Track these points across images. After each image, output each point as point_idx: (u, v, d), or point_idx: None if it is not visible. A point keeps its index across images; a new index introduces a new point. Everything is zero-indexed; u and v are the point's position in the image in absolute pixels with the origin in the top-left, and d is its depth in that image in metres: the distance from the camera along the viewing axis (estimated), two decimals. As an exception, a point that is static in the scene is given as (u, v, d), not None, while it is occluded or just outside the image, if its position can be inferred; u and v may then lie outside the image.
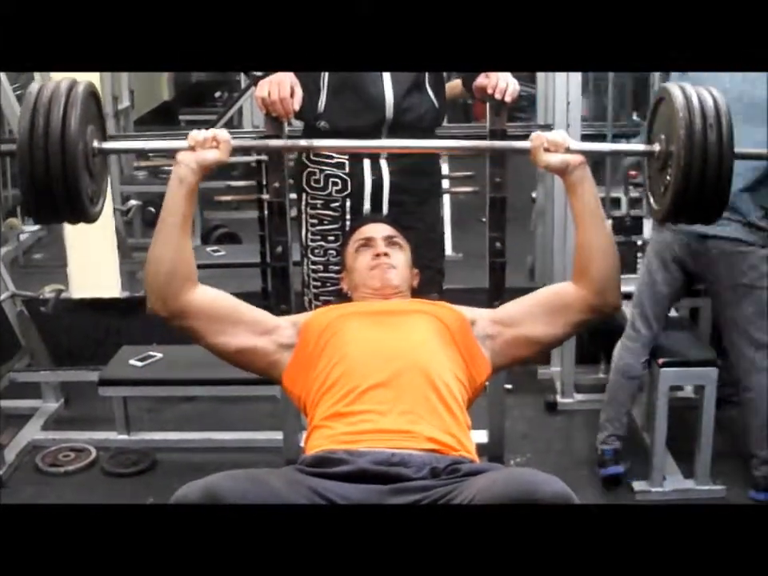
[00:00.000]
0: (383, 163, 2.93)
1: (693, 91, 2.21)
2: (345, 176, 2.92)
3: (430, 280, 2.98)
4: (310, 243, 2.99)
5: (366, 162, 2.92)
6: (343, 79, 2.83)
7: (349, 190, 2.93)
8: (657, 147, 2.34)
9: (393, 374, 2.34)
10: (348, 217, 2.93)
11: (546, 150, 2.38)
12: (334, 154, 2.92)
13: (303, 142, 2.86)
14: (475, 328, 2.50)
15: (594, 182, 2.42)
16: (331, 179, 2.93)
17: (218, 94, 8.70)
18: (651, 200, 2.43)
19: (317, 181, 2.94)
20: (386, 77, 2.83)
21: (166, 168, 6.18)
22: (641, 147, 2.48)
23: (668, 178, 2.28)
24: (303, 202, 2.99)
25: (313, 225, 2.97)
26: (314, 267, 2.99)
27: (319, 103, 2.87)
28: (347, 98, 2.82)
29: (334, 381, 2.36)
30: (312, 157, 2.94)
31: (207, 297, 2.41)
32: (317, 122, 2.89)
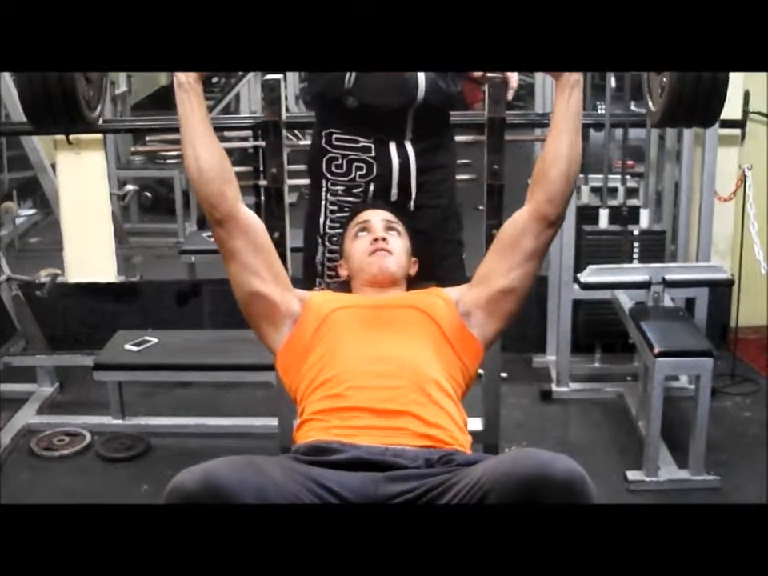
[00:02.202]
0: (408, 145, 2.90)
1: None
2: (371, 159, 2.89)
3: (453, 252, 3.06)
4: (328, 231, 2.95)
5: (392, 145, 2.89)
6: None
7: (374, 174, 2.89)
8: None
9: (385, 374, 2.33)
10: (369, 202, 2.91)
11: None
12: (359, 138, 2.89)
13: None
14: (459, 308, 2.51)
15: (582, 94, 2.46)
16: (355, 164, 2.89)
17: (215, 80, 8.66)
18: (649, 103, 2.43)
19: (339, 166, 2.90)
20: None
21: (162, 153, 6.21)
22: None
23: (664, 79, 2.27)
24: (324, 189, 2.95)
25: (332, 212, 2.94)
26: (330, 256, 2.95)
27: (347, 79, 2.82)
28: (378, 77, 2.77)
29: (326, 379, 2.36)
30: (334, 142, 2.91)
31: (254, 221, 2.50)
32: (344, 97, 2.84)
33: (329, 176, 2.93)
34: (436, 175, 2.98)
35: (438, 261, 2.89)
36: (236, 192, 2.49)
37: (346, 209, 2.90)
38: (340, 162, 2.91)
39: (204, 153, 2.44)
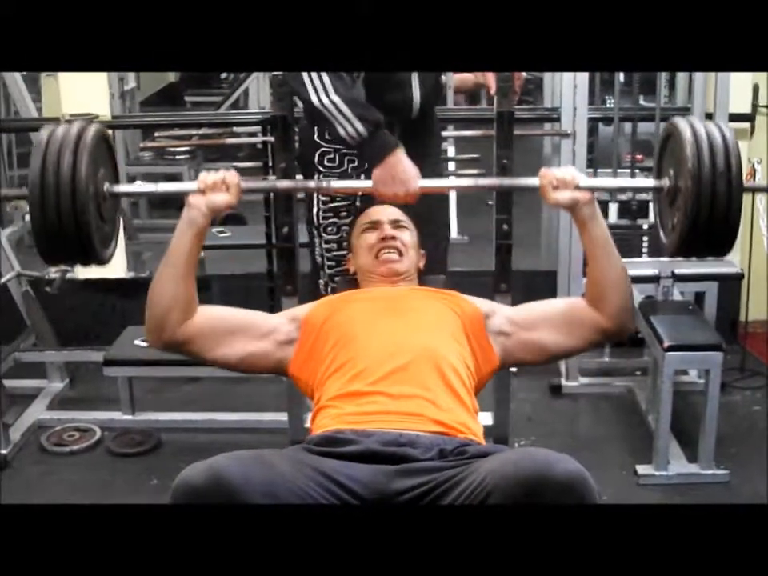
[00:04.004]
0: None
1: (701, 128, 2.21)
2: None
3: (444, 236, 3.16)
4: (322, 222, 2.98)
5: None
6: (367, 84, 2.80)
7: (366, 166, 2.88)
8: (666, 183, 2.33)
9: (400, 356, 2.34)
10: (360, 192, 2.92)
11: (555, 187, 2.39)
12: None
13: (312, 183, 2.86)
14: (490, 321, 2.51)
15: (602, 218, 2.44)
16: (347, 157, 2.93)
17: (224, 76, 8.68)
18: (661, 233, 2.43)
19: (331, 159, 2.94)
20: (415, 82, 2.85)
21: (171, 149, 6.22)
22: (650, 183, 2.47)
23: (676, 216, 2.27)
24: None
25: (324, 203, 2.97)
26: (327, 246, 2.98)
27: None
28: (375, 101, 2.77)
29: (342, 363, 2.37)
30: (327, 137, 2.92)
31: (199, 321, 2.44)
32: None
33: (321, 169, 2.97)
34: (425, 162, 2.99)
35: (433, 245, 2.90)
36: (191, 315, 2.43)
37: (338, 198, 2.95)
38: (333, 155, 2.95)
39: (177, 292, 2.40)
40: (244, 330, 2.47)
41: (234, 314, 2.51)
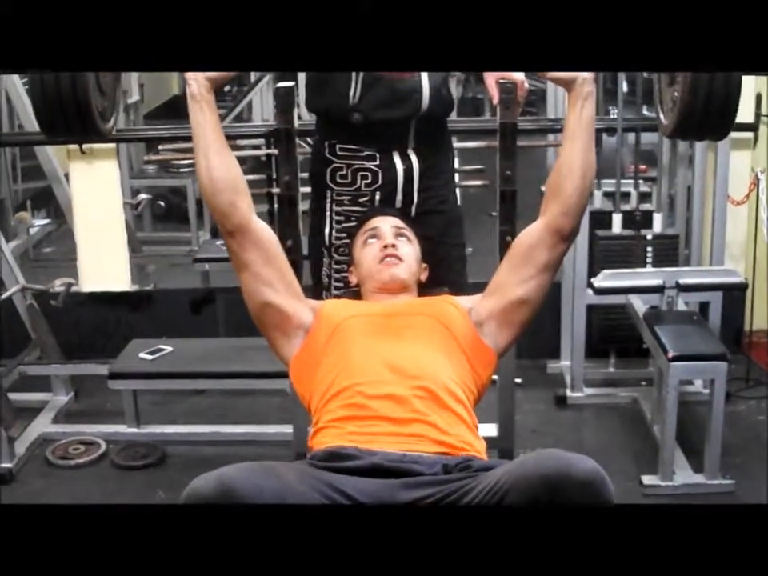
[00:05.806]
0: (411, 152, 2.88)
1: None
2: (376, 168, 2.86)
3: (458, 256, 3.05)
4: (334, 242, 2.91)
5: (396, 154, 2.87)
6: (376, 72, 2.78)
7: (380, 182, 2.86)
8: None
9: (399, 382, 2.33)
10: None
11: None
12: (363, 148, 2.85)
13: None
14: (472, 317, 2.51)
15: (595, 103, 2.47)
16: (360, 173, 2.86)
17: (227, 89, 8.69)
18: (660, 115, 2.45)
19: (343, 176, 2.87)
20: (424, 75, 2.84)
21: (175, 162, 6.23)
22: None
23: (676, 93, 2.28)
24: (328, 200, 2.91)
25: (339, 222, 2.90)
26: (336, 267, 2.91)
27: (351, 97, 2.80)
28: (381, 90, 2.78)
29: (340, 389, 2.35)
30: (338, 152, 2.87)
31: (267, 232, 2.49)
32: (350, 114, 2.82)
33: (334, 186, 2.89)
34: (439, 180, 2.97)
35: (446, 266, 2.88)
36: (248, 203, 2.48)
37: (353, 219, 2.86)
38: (345, 171, 2.87)
39: (216, 163, 2.44)
40: (288, 283, 2.51)
41: (287, 262, 2.55)
